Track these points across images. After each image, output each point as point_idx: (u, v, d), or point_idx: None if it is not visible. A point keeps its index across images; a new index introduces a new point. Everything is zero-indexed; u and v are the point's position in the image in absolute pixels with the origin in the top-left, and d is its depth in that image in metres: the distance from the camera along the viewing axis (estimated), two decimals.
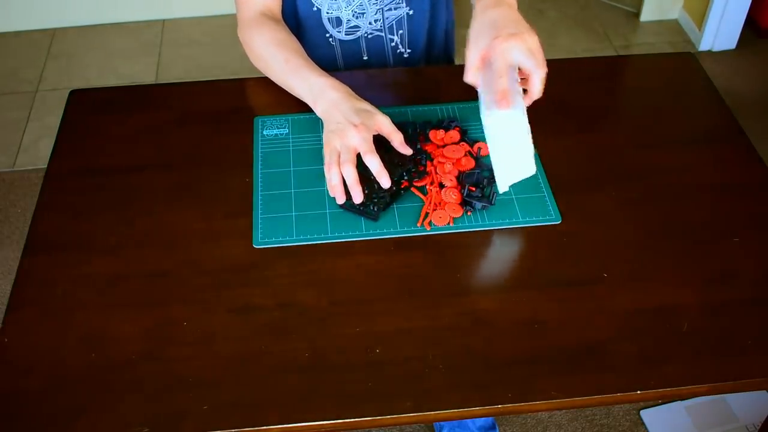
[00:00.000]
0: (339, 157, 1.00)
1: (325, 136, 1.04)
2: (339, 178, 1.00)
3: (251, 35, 1.19)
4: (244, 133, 1.14)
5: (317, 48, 1.30)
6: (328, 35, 1.29)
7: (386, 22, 1.30)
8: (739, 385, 0.86)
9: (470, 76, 1.00)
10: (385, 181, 1.00)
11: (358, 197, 1.00)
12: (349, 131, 1.01)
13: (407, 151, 1.04)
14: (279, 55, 1.14)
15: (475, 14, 1.02)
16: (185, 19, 2.94)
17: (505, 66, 0.96)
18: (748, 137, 1.15)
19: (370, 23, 1.29)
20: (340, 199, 1.00)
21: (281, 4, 1.23)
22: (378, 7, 1.28)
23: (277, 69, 1.15)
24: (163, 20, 2.93)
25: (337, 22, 1.29)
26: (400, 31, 1.31)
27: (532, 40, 0.97)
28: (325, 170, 1.01)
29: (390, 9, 1.29)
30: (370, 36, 1.30)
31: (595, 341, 0.88)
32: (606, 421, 1.73)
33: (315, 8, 1.26)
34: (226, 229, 1.00)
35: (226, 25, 2.90)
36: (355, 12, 1.28)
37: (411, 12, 1.30)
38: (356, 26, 1.29)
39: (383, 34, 1.31)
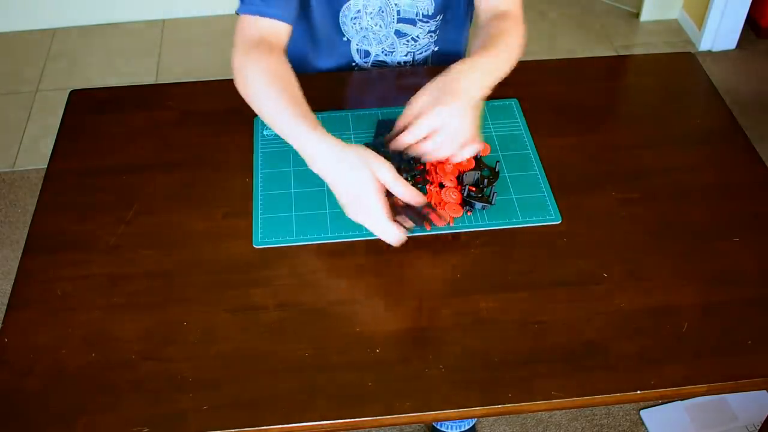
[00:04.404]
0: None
1: (343, 207, 0.95)
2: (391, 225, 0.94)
3: (246, 60, 1.04)
4: (244, 133, 1.14)
5: (339, 69, 1.30)
6: (354, 63, 1.30)
7: (415, 60, 1.31)
8: (739, 385, 0.86)
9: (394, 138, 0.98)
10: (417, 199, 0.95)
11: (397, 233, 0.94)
12: (355, 208, 0.93)
13: (415, 198, 0.94)
14: (271, 89, 1.00)
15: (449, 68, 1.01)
16: (185, 19, 2.94)
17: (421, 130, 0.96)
18: (748, 137, 1.15)
19: (398, 62, 1.30)
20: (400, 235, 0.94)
21: (289, 34, 1.10)
22: (409, 50, 1.29)
23: (267, 104, 1.01)
24: (163, 20, 2.93)
25: (365, 54, 1.29)
26: (426, 65, 1.32)
27: (459, 120, 0.96)
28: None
29: (421, 53, 1.30)
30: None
31: (595, 341, 0.88)
32: (606, 421, 1.73)
33: (345, 39, 1.26)
34: (226, 229, 1.00)
35: (226, 25, 2.89)
36: (385, 50, 1.29)
37: (437, 48, 1.30)
38: (384, 61, 1.30)
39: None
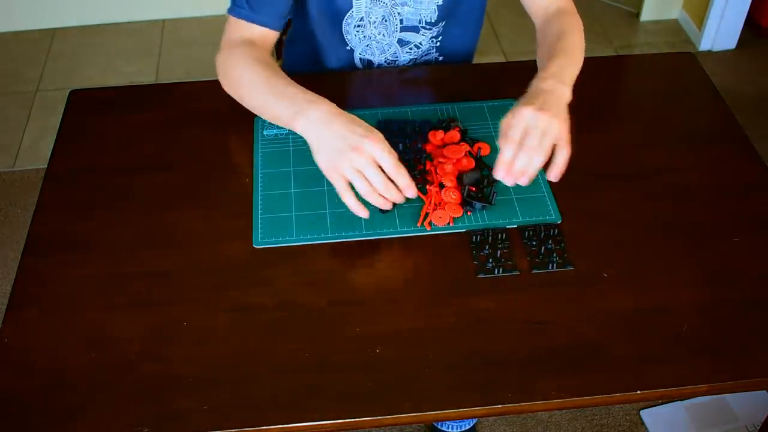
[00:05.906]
0: (348, 182, 0.93)
1: (325, 161, 0.94)
2: (357, 201, 0.94)
3: (230, 55, 1.09)
4: (244, 133, 1.14)
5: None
6: (356, 71, 1.30)
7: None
8: (739, 385, 0.86)
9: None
10: (411, 192, 0.95)
11: (387, 205, 0.95)
12: (351, 155, 0.91)
13: (412, 191, 0.95)
14: (262, 73, 1.04)
15: (532, 83, 1.02)
16: (185, 19, 2.94)
17: (518, 134, 0.95)
18: (748, 137, 1.15)
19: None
20: (365, 214, 0.95)
21: (275, 40, 1.14)
22: (411, 58, 1.28)
23: (257, 87, 1.04)
24: (163, 20, 2.93)
25: (368, 63, 1.29)
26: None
27: (555, 125, 0.95)
28: (343, 199, 0.94)
29: (423, 59, 1.29)
30: None
31: (595, 341, 0.88)
32: (606, 421, 1.73)
33: (348, 47, 1.26)
34: (226, 229, 1.00)
35: None
36: (388, 60, 1.28)
37: (441, 57, 1.30)
38: (387, 71, 1.30)
39: None
